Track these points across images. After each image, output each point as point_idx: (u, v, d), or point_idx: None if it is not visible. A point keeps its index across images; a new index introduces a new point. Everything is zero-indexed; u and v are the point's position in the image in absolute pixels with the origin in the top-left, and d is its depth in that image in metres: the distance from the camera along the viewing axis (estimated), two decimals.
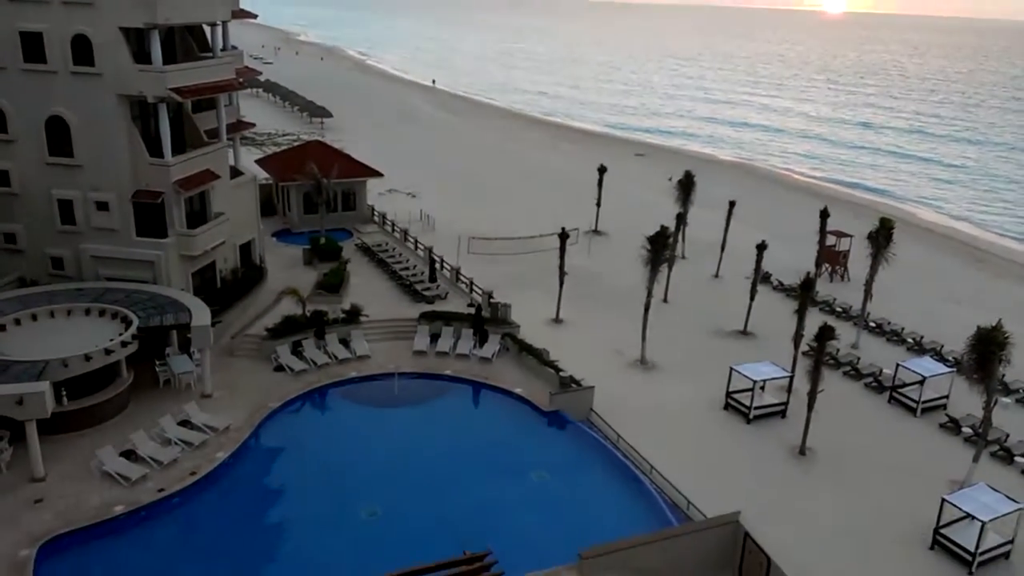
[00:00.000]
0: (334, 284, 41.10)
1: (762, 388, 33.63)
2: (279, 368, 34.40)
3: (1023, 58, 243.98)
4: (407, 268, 45.37)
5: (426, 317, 38.37)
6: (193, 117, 37.43)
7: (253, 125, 50.76)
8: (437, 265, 45.04)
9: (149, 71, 32.55)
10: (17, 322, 30.81)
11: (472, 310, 38.75)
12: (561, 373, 33.87)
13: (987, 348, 27.23)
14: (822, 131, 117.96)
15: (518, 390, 33.87)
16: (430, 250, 46.21)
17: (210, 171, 36.71)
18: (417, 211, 57.50)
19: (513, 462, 29.52)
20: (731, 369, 33.97)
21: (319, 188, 49.42)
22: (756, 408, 33.17)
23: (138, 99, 33.27)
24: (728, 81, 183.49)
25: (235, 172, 41.41)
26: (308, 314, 36.82)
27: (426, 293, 41.76)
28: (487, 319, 38.03)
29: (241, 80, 40.33)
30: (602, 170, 57.60)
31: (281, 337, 35.52)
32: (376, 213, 55.50)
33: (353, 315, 37.56)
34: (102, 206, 33.96)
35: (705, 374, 36.38)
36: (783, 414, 33.59)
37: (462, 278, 43.94)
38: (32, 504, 25.02)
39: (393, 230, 52.89)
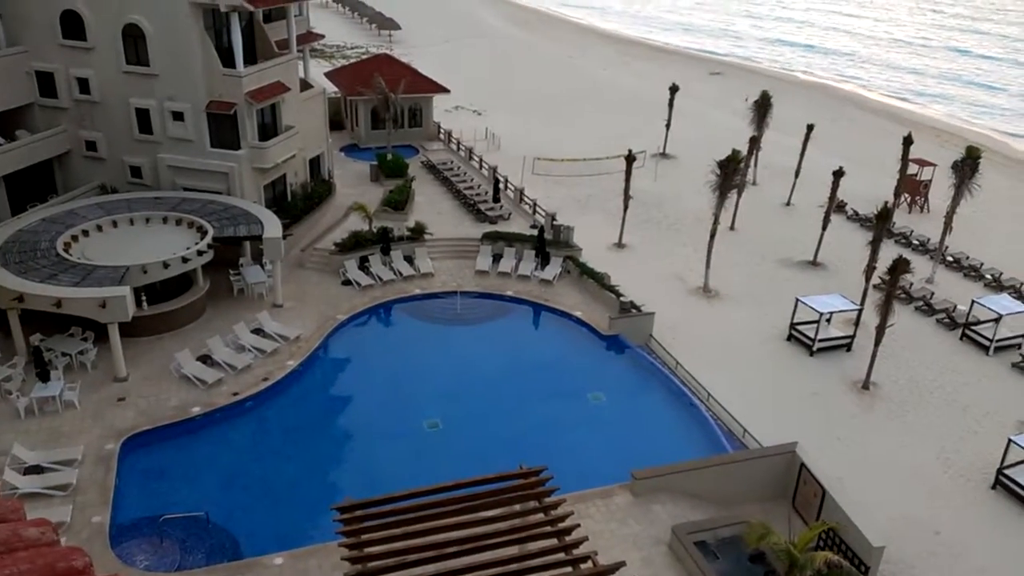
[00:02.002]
0: (400, 201, 41.42)
1: (828, 320, 32.95)
2: (346, 282, 35.22)
3: None
4: (471, 187, 45.29)
5: (489, 237, 38.48)
6: (264, 27, 37.40)
7: (323, 36, 50.49)
8: (501, 185, 44.82)
9: None
10: (99, 228, 32.12)
11: (535, 231, 38.67)
12: (621, 298, 33.78)
13: None
14: (909, 54, 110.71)
15: (578, 313, 34.01)
16: (494, 169, 45.93)
17: (281, 83, 36.85)
18: (483, 129, 56.91)
19: (570, 384, 29.90)
20: (797, 300, 33.31)
21: (386, 103, 49.21)
22: (821, 340, 32.61)
23: (211, 7, 33.31)
24: None
25: (305, 85, 41.37)
26: (375, 230, 37.35)
27: (489, 213, 41.76)
28: (549, 241, 37.94)
29: None
30: (674, 89, 55.58)
31: (348, 252, 36.21)
32: (442, 130, 55.19)
33: (418, 233, 37.94)
34: (177, 116, 34.61)
35: (769, 304, 35.78)
36: (848, 347, 32.96)
37: (525, 199, 43.70)
38: (116, 402, 26.65)
39: (458, 148, 52.60)
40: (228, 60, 34.05)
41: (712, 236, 36.44)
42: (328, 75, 57.08)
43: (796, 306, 33.26)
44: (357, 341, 32.19)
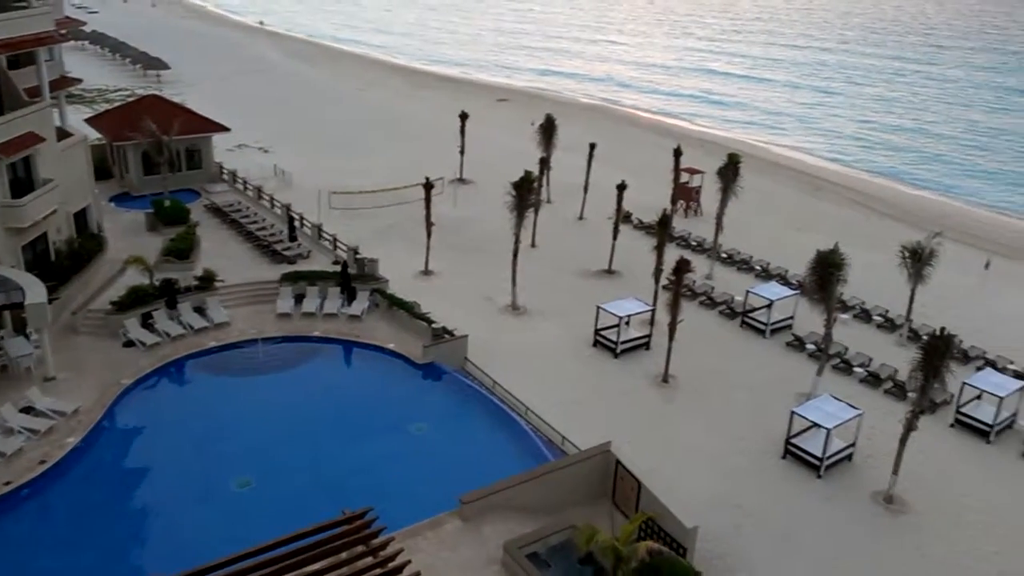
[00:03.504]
0: (183, 249, 38.69)
1: (627, 323, 34.95)
2: (129, 343, 32.22)
3: None
4: (264, 228, 43.30)
5: (288, 278, 36.94)
6: (11, 75, 33.72)
7: (80, 81, 46.62)
8: (297, 223, 43.29)
9: None
10: None
11: (338, 267, 37.67)
12: (433, 325, 33.71)
13: (826, 270, 29.48)
14: (666, 77, 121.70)
15: (391, 345, 33.47)
16: (288, 207, 44.31)
17: (33, 133, 33.38)
18: (271, 166, 54.80)
19: (390, 418, 29.30)
20: (598, 307, 35.05)
21: (159, 146, 46.02)
22: (622, 343, 34.50)
23: None
24: (570, 25, 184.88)
25: (63, 133, 37.98)
26: (157, 283, 34.56)
27: (286, 253, 40.13)
28: (354, 275, 37.11)
29: (63, 32, 36.71)
30: (464, 116, 56.95)
31: (128, 310, 33.21)
32: (225, 171, 52.46)
33: (207, 281, 35.62)
34: None
35: (574, 314, 37.34)
36: (647, 346, 35.13)
37: (324, 235, 42.53)
38: None
39: (246, 188, 50.22)
40: None
41: (515, 255, 37.46)
42: (90, 121, 52.43)
43: (598, 313, 34.99)
44: (148, 405, 29.44)
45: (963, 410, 30.24)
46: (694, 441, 28.64)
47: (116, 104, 66.71)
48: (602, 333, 35.09)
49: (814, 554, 23.51)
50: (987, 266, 43.61)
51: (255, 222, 44.14)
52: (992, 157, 76.66)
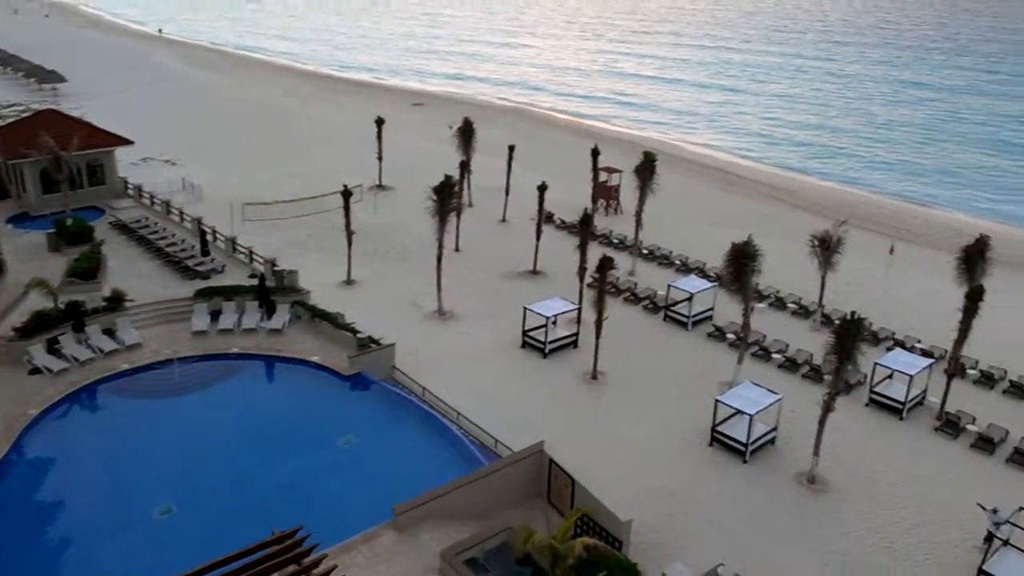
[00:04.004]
0: (89, 269, 36.89)
1: (554, 323, 35.11)
2: (35, 371, 30.47)
3: None
4: (174, 243, 41.69)
5: (203, 294, 35.64)
6: None
7: None
8: (209, 236, 41.84)
9: None
10: None
11: (255, 280, 36.54)
12: (358, 334, 33.09)
13: (741, 261, 30.31)
14: (579, 79, 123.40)
15: (315, 358, 32.67)
16: (199, 221, 42.78)
17: None
18: (179, 180, 52.83)
19: (318, 432, 28.57)
20: (524, 308, 35.09)
21: (58, 163, 43.69)
22: (550, 342, 34.63)
23: None
24: (481, 28, 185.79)
25: None
26: (62, 306, 32.78)
27: (199, 268, 38.72)
28: (272, 288, 36.09)
29: None
30: (380, 122, 56.25)
31: (32, 336, 31.44)
32: (131, 186, 50.25)
33: (116, 301, 34.04)
34: None
35: (501, 316, 37.29)
36: (575, 344, 35.37)
37: (239, 248, 41.24)
38: None
39: (153, 203, 48.25)
40: None
41: (439, 260, 37.15)
42: None
43: (525, 314, 35.04)
44: (59, 435, 27.83)
45: (876, 389, 31.57)
46: (625, 435, 28.98)
47: (9, 120, 63.13)
48: (530, 334, 35.15)
49: (743, 536, 24.08)
50: (892, 251, 45.77)
51: (164, 238, 42.47)
52: (891, 148, 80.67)
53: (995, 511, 23.48)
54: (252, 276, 37.92)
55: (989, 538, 23.47)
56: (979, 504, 24.53)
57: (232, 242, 41.64)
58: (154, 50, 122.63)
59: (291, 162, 61.57)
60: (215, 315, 34.93)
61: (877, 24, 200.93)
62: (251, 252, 40.45)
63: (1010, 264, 43.21)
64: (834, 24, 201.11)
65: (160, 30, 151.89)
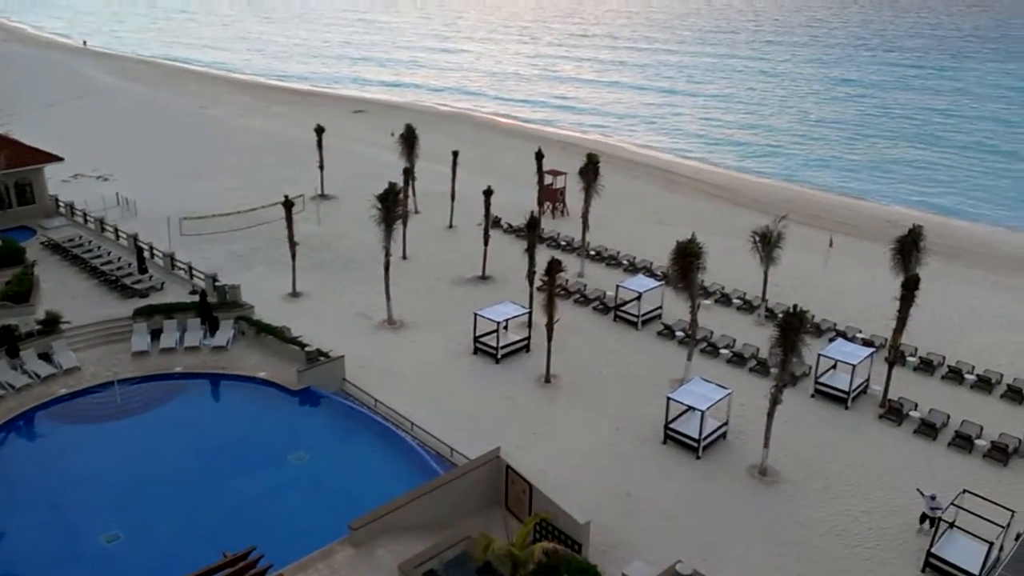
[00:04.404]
0: (21, 292, 35.49)
1: (505, 328, 35.05)
2: None
3: None
4: (110, 261, 40.37)
5: (142, 313, 34.58)
6: None
7: None
8: (146, 253, 40.62)
9: None
10: None
11: (196, 297, 35.59)
12: (306, 348, 32.48)
13: (686, 259, 30.75)
14: (519, 83, 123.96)
15: (262, 374, 31.96)
16: (135, 237, 41.50)
17: None
18: (113, 196, 51.18)
19: (267, 450, 27.91)
20: (475, 314, 34.94)
21: None
22: (502, 347, 34.55)
23: None
24: (419, 34, 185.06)
25: None
26: None
27: (137, 286, 37.57)
28: (214, 304, 35.21)
29: None
30: (319, 130, 55.46)
31: None
32: (62, 204, 48.48)
33: (51, 324, 32.78)
34: None
35: (452, 323, 37.07)
36: (527, 348, 35.38)
37: (178, 264, 40.12)
38: None
39: (86, 220, 46.63)
40: None
41: (386, 268, 36.76)
42: None
43: (476, 320, 34.88)
44: None
45: (821, 380, 32.37)
46: (580, 437, 29.07)
47: None
48: (481, 340, 35.01)
49: (700, 532, 24.37)
50: (831, 244, 47.05)
51: (99, 256, 41.11)
52: (825, 145, 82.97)
53: (933, 497, 24.28)
54: (193, 292, 36.95)
55: (923, 519, 24.35)
56: (918, 490, 25.34)
57: (171, 258, 40.50)
58: (81, 63, 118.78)
59: (229, 174, 60.25)
60: (156, 334, 33.91)
61: (807, 23, 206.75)
62: (191, 267, 39.41)
63: (943, 253, 44.84)
64: (765, 24, 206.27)
65: (85, 42, 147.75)
